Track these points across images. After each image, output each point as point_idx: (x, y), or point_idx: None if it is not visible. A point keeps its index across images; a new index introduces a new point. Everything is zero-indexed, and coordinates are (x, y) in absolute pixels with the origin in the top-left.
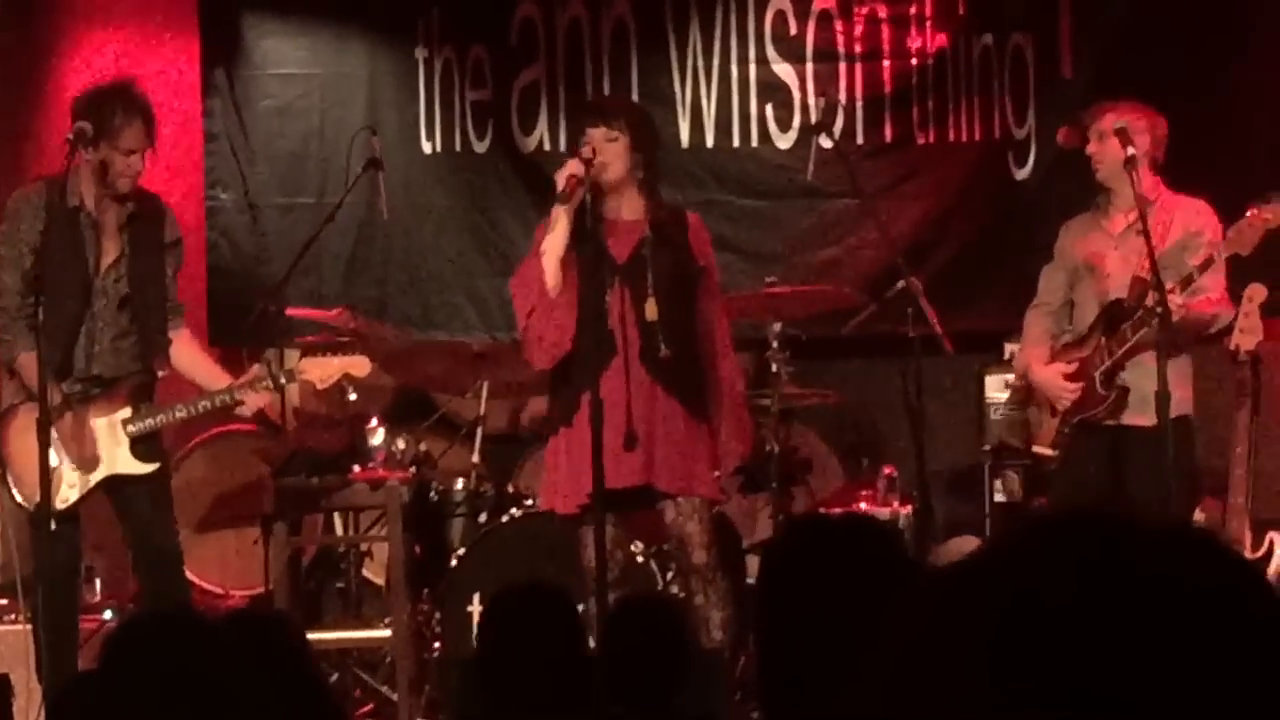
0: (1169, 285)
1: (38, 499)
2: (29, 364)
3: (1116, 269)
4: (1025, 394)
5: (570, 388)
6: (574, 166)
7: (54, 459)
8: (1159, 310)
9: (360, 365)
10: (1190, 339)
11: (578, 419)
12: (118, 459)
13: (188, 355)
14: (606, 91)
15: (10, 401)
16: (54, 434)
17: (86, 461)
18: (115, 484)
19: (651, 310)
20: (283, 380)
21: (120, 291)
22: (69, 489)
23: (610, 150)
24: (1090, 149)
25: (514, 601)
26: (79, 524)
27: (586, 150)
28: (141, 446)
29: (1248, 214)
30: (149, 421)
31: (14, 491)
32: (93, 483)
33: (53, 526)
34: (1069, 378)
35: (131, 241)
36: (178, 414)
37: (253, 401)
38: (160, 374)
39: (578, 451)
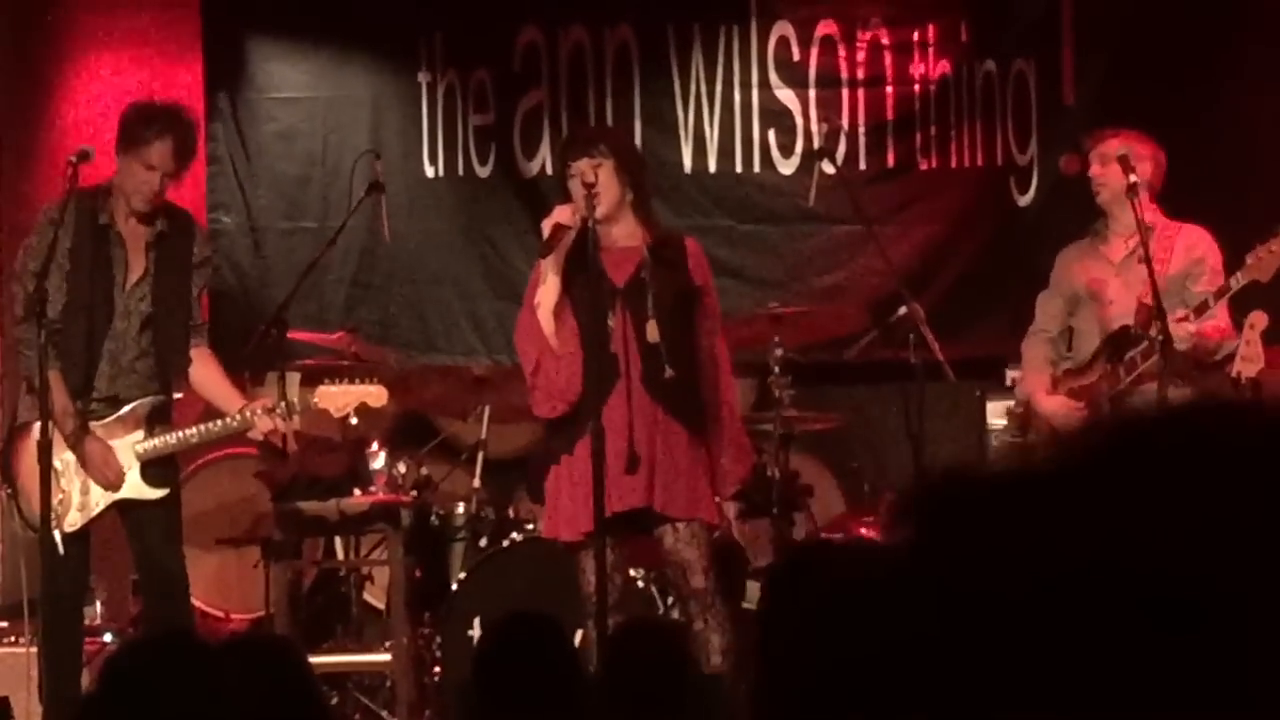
0: (1181, 313)
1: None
2: (48, 383)
3: (1119, 296)
4: (1025, 420)
5: (572, 415)
6: (560, 214)
7: (64, 483)
8: (1160, 339)
9: (378, 395)
10: (1192, 366)
11: (579, 446)
12: (130, 483)
13: (205, 374)
14: (609, 117)
15: (25, 418)
16: (72, 456)
17: (112, 482)
18: (125, 506)
19: (653, 332)
20: (296, 407)
21: (144, 311)
22: (76, 512)
23: (601, 176)
24: (1093, 171)
25: (509, 629)
26: (88, 546)
27: (578, 184)
28: (153, 470)
29: (1268, 242)
30: (160, 444)
31: (22, 510)
32: (101, 506)
33: (60, 549)
34: (1075, 404)
35: (158, 260)
36: (190, 438)
37: (262, 426)
38: (177, 396)
39: (581, 479)
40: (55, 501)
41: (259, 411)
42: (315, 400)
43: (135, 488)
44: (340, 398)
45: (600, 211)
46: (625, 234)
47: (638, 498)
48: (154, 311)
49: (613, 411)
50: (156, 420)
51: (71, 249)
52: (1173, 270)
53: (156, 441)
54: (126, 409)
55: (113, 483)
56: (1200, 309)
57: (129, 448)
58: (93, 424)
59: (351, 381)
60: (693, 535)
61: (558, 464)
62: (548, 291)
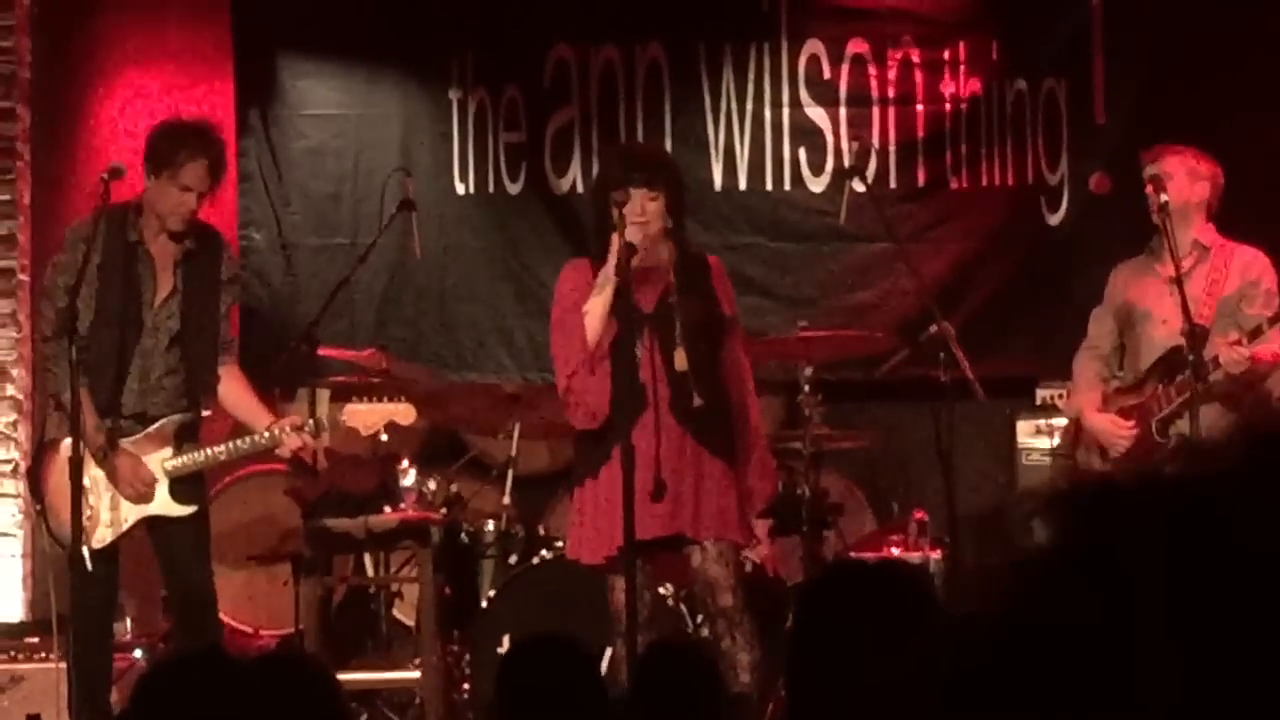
0: (1234, 336)
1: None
2: (80, 399)
3: (1172, 315)
4: (1074, 438)
5: (599, 438)
6: (633, 234)
7: (92, 499)
8: (1191, 358)
9: (406, 413)
10: (1241, 389)
11: (605, 471)
12: (158, 500)
13: (234, 392)
14: (640, 135)
15: (53, 435)
16: (101, 472)
17: (141, 495)
18: (154, 523)
19: (681, 360)
20: (324, 425)
21: (172, 328)
22: (105, 528)
23: (652, 209)
24: (1149, 190)
25: (531, 652)
26: (117, 563)
27: (634, 216)
28: (181, 488)
29: None
30: (189, 461)
31: (51, 527)
32: (130, 523)
33: (89, 566)
34: (1124, 422)
35: (187, 278)
36: (219, 455)
37: (290, 444)
38: (206, 414)
39: (605, 503)
40: (84, 518)
41: (287, 429)
42: (344, 418)
43: (164, 505)
44: (368, 416)
45: (647, 236)
46: (652, 254)
47: (664, 526)
48: (182, 329)
49: (640, 440)
50: (185, 437)
51: (100, 266)
52: (1227, 291)
53: (185, 459)
54: (155, 426)
55: (143, 495)
56: (1255, 333)
57: (158, 465)
58: (121, 441)
59: (380, 399)
60: (720, 554)
61: (581, 487)
62: (603, 301)
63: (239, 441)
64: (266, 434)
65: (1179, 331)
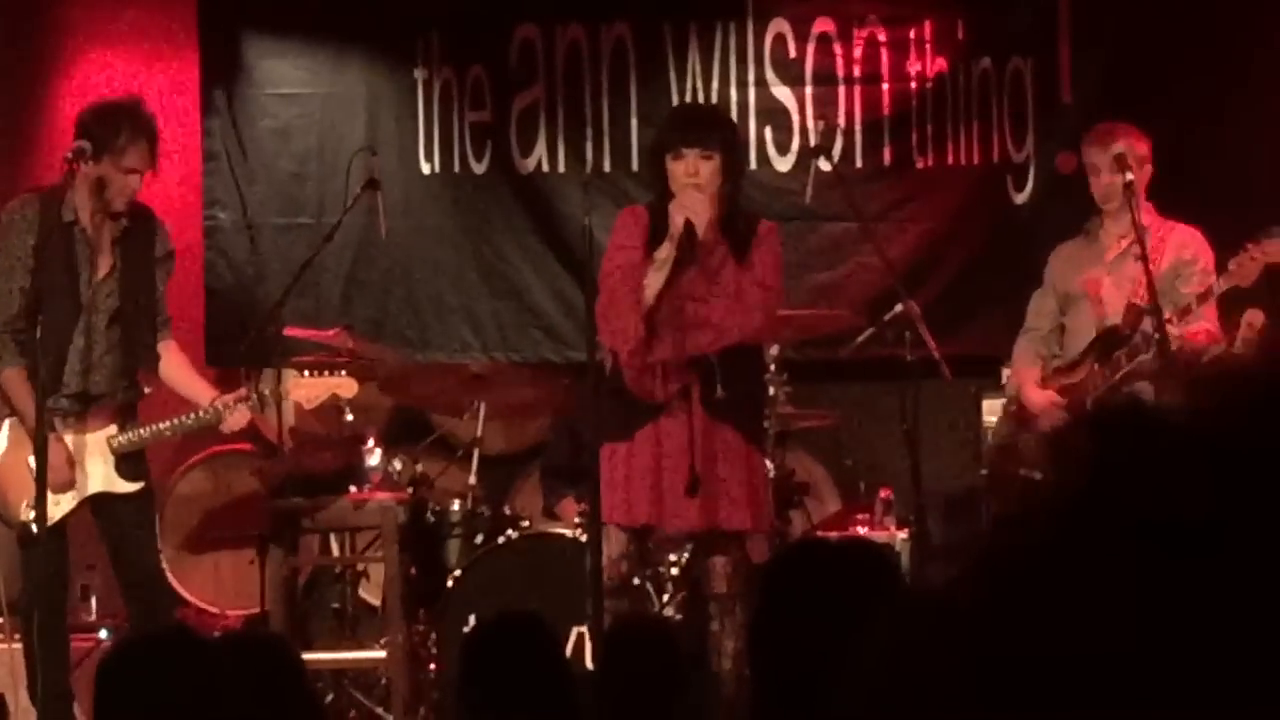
0: (1166, 315)
1: (19, 517)
2: (14, 380)
3: (1110, 295)
4: (1017, 419)
5: (629, 407)
6: (690, 197)
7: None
8: (1156, 337)
9: (347, 385)
10: (1183, 368)
11: (637, 441)
12: (103, 477)
13: (174, 368)
14: (606, 115)
15: None
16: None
17: (58, 486)
18: (99, 501)
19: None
20: (268, 400)
21: (112, 307)
22: (54, 506)
23: (706, 169)
24: (1112, 168)
25: (494, 631)
26: (65, 540)
27: (687, 175)
28: (126, 464)
29: (1247, 248)
30: (134, 437)
31: None
32: (77, 500)
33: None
34: (1063, 400)
35: (124, 256)
36: (163, 431)
37: (234, 420)
38: (147, 390)
39: (637, 474)
40: (30, 498)
41: (230, 404)
42: (286, 392)
43: (109, 481)
44: (311, 388)
45: (700, 210)
46: (704, 226)
47: (698, 521)
48: (122, 306)
49: (673, 429)
50: (128, 414)
51: (36, 247)
52: (1163, 269)
53: (131, 435)
54: (98, 404)
55: (58, 485)
56: (1184, 312)
57: (102, 442)
58: (66, 420)
59: (323, 372)
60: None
61: (613, 444)
62: (660, 279)
63: (183, 418)
64: (209, 409)
65: (1117, 311)
